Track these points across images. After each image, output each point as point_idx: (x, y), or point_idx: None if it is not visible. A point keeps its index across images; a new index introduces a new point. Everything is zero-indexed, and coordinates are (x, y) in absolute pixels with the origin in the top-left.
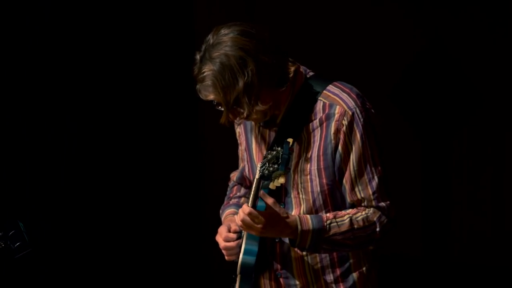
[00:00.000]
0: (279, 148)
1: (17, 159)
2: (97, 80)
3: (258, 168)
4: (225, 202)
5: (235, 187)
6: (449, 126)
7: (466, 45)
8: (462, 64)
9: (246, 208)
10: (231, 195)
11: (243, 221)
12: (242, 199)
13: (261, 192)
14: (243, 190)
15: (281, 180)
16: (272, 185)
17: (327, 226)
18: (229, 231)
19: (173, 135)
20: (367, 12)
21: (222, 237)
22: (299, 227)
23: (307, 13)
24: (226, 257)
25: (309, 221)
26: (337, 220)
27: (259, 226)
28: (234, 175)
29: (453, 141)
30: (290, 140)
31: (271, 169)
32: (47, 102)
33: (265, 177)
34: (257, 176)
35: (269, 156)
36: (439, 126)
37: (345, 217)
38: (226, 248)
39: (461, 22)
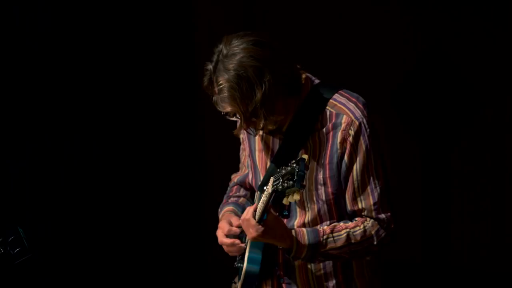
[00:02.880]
0: (294, 165)
1: (16, 162)
2: (97, 82)
3: (271, 183)
4: (224, 201)
5: (235, 187)
6: (449, 130)
7: (466, 50)
8: (462, 69)
9: (249, 217)
10: (230, 193)
11: (242, 223)
12: (241, 199)
13: None
14: (242, 191)
15: (296, 196)
16: (285, 201)
17: (324, 241)
18: (231, 226)
19: (173, 137)
20: (367, 17)
21: (225, 231)
22: (294, 241)
23: (307, 19)
24: (229, 253)
25: (305, 236)
26: (334, 235)
27: (255, 234)
28: (236, 177)
29: (453, 146)
30: (305, 156)
31: (285, 184)
32: (47, 104)
33: (278, 192)
34: (269, 190)
35: (284, 171)
36: (439, 131)
37: (343, 232)
38: (223, 243)
39: (461, 27)
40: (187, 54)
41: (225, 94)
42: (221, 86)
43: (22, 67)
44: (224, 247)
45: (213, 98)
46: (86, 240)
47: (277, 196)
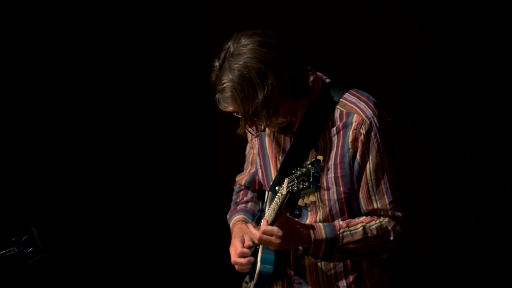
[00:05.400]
0: (310, 166)
1: (20, 162)
2: (108, 82)
3: (285, 184)
4: (232, 208)
5: (241, 192)
6: (461, 130)
7: (477, 49)
8: (473, 68)
9: (263, 226)
10: (238, 200)
11: (260, 239)
12: (250, 204)
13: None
14: (249, 195)
15: (312, 198)
16: (301, 202)
17: (340, 235)
18: (243, 245)
19: (183, 138)
20: (379, 17)
21: (237, 252)
22: (312, 236)
23: (318, 18)
24: (240, 271)
25: (322, 230)
26: (350, 228)
27: (277, 242)
28: (242, 179)
29: (465, 145)
30: (320, 157)
31: (301, 186)
32: (55, 104)
33: (293, 194)
34: (283, 192)
35: (298, 172)
36: (451, 131)
37: (358, 226)
38: (237, 264)
39: (471, 26)
40: (199, 56)
41: (227, 93)
42: (224, 85)
43: (27, 65)
44: (236, 266)
45: (216, 96)
46: (93, 242)
47: (290, 198)
